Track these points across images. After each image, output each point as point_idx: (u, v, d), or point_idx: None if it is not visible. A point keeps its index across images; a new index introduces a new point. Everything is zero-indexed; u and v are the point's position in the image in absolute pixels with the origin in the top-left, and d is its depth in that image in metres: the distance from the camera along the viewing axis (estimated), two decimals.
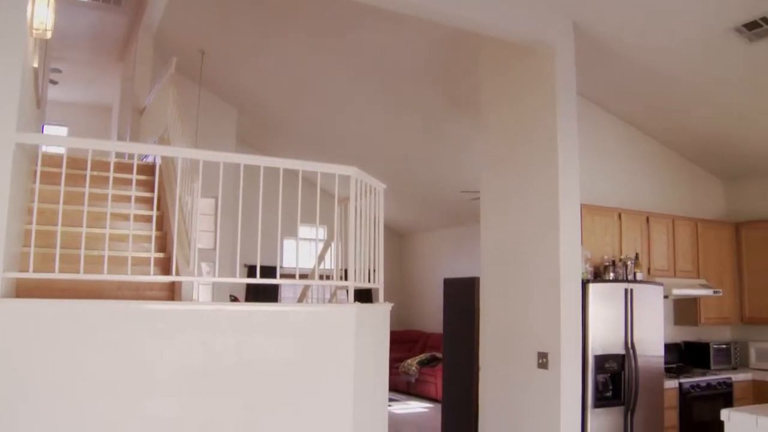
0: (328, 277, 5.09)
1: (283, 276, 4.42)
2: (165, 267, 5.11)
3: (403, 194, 12.08)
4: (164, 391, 3.69)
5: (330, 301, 6.05)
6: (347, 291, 4.46)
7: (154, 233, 4.76)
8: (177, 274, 4.43)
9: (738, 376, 7.12)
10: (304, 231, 10.34)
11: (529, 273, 5.70)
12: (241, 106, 10.60)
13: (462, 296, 6.69)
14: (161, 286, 5.04)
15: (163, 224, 5.69)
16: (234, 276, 4.25)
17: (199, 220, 4.44)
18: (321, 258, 6.23)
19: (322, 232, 10.91)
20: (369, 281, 4.78)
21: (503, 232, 6.04)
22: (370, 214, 4.81)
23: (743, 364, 7.67)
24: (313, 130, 10.84)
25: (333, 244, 4.97)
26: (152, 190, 5.63)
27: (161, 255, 5.28)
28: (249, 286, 11.52)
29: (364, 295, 4.87)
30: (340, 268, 4.80)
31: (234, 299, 10.11)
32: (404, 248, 14.99)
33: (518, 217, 5.87)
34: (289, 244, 12.30)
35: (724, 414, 4.35)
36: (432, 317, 12.76)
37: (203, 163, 4.17)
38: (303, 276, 4.40)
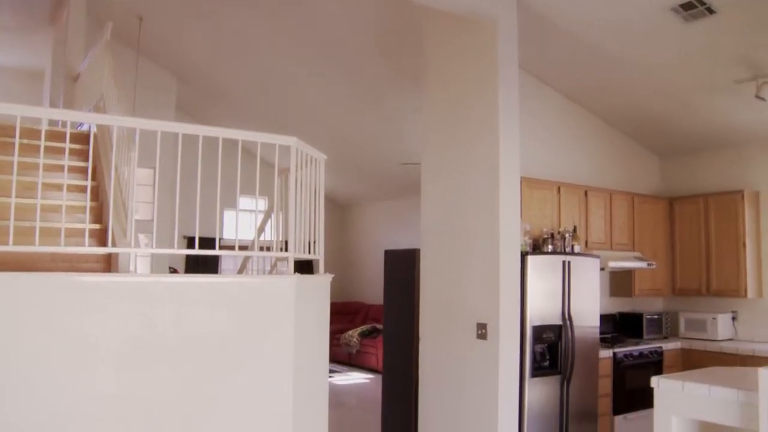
0: (268, 249, 5.05)
1: (223, 248, 4.36)
2: (101, 239, 4.98)
3: (345, 166, 12.04)
4: (102, 366, 3.61)
5: (270, 272, 6.00)
6: (287, 262, 4.43)
7: (88, 204, 4.63)
8: (113, 245, 4.33)
9: (668, 345, 7.37)
10: (244, 202, 10.25)
11: (468, 245, 5.75)
12: (181, 74, 10.37)
13: (402, 268, 6.72)
14: (97, 258, 4.92)
15: (98, 195, 5.54)
16: (173, 248, 4.16)
17: (137, 190, 4.34)
18: (261, 229, 6.17)
19: (262, 203, 10.82)
20: (309, 252, 4.76)
21: (443, 204, 6.07)
22: (311, 185, 4.78)
23: (673, 334, 7.94)
24: (254, 100, 10.68)
25: (273, 216, 4.93)
26: (87, 160, 5.47)
27: (97, 226, 5.15)
28: (189, 258, 11.37)
29: (304, 267, 4.85)
30: (280, 239, 4.76)
31: (173, 271, 9.97)
32: (346, 220, 14.99)
33: (458, 190, 5.91)
34: (229, 216, 12.17)
35: (654, 381, 4.49)
36: (373, 289, 12.80)
37: (141, 132, 4.06)
38: (243, 248, 4.35)
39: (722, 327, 7.54)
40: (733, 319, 7.73)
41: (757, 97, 5.97)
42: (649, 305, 8.11)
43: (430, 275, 6.19)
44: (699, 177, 8.14)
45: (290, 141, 4.35)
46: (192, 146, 4.02)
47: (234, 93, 10.69)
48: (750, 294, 7.40)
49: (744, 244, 7.41)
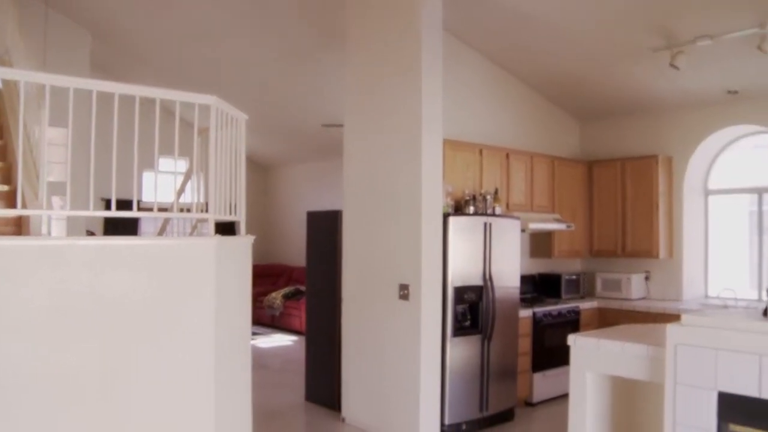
0: (188, 210, 4.95)
1: (141, 210, 4.24)
2: (10, 200, 4.79)
3: (267, 126, 11.85)
4: (16, 334, 3.48)
5: (191, 234, 5.89)
6: (208, 224, 4.34)
7: None
8: (24, 208, 4.16)
9: (585, 305, 7.61)
10: (163, 163, 10.00)
11: (391, 206, 5.77)
12: (96, 29, 9.94)
13: (325, 229, 6.71)
14: (6, 222, 4.73)
15: (6, 155, 5.31)
16: (89, 210, 4.02)
17: (49, 150, 4.17)
18: (180, 190, 6.03)
19: (182, 164, 10.57)
20: (230, 214, 4.68)
21: (366, 165, 6.06)
22: (232, 146, 4.68)
23: (590, 294, 8.20)
24: (173, 58, 10.34)
25: (193, 177, 4.82)
26: None
27: (5, 188, 4.94)
28: (107, 221, 11.06)
29: (226, 229, 4.77)
30: (200, 200, 4.66)
31: (91, 234, 9.68)
32: (269, 181, 14.81)
33: (381, 151, 5.90)
34: (148, 177, 11.87)
35: (571, 339, 4.62)
36: (296, 251, 12.73)
37: (53, 90, 3.89)
38: (163, 210, 4.24)
39: (636, 287, 7.83)
40: (646, 279, 8.03)
41: (672, 65, 6.13)
42: (567, 266, 8.34)
43: (353, 237, 6.19)
44: (616, 142, 8.35)
45: (210, 100, 4.24)
46: (108, 105, 3.88)
47: (152, 50, 10.32)
48: (662, 255, 7.69)
49: (657, 207, 7.66)
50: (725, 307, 7.08)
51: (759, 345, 3.63)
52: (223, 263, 4.19)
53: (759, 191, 7.53)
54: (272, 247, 14.16)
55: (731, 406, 3.75)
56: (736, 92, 7.05)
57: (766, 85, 6.72)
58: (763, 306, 3.90)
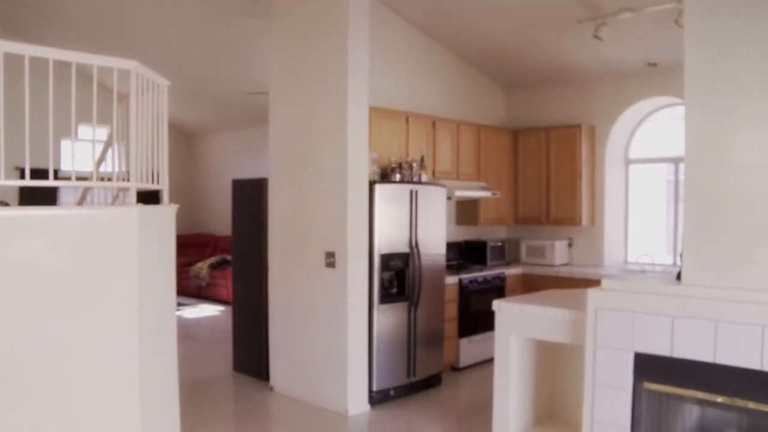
0: (108, 179, 4.80)
1: (58, 179, 4.09)
2: None
3: (191, 93, 11.57)
4: None
5: (112, 204, 5.73)
6: (129, 193, 4.22)
7: None
8: None
9: (510, 271, 7.75)
10: (82, 131, 9.68)
11: (317, 174, 5.73)
12: None
13: (251, 197, 6.62)
14: None
15: None
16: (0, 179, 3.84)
17: None
18: (101, 159, 5.85)
19: (102, 132, 10.25)
20: (153, 183, 4.56)
21: (292, 133, 5.99)
22: (154, 113, 4.55)
23: (515, 260, 8.35)
24: (92, 19, 9.97)
25: (114, 144, 4.67)
26: None
27: None
28: (23, 192, 10.65)
29: (149, 198, 4.65)
30: (121, 169, 4.53)
31: (5, 205, 9.32)
32: (193, 149, 14.48)
33: (307, 119, 5.84)
34: (67, 146, 11.47)
35: (496, 304, 4.70)
36: (222, 220, 12.52)
37: None
38: (82, 179, 4.10)
39: (559, 253, 8.02)
40: (569, 245, 8.22)
41: (595, 36, 6.22)
42: (493, 233, 8.46)
43: (279, 205, 6.13)
44: (541, 111, 8.47)
45: (130, 65, 4.09)
46: (19, 68, 3.70)
47: (69, 10, 9.92)
48: (584, 222, 7.88)
49: (580, 176, 7.83)
50: (643, 272, 7.32)
51: (672, 307, 3.77)
52: (145, 233, 4.08)
53: (675, 161, 7.77)
54: (198, 217, 13.92)
55: (646, 366, 3.89)
56: (655, 65, 7.23)
57: (683, 59, 6.88)
58: (677, 270, 4.04)
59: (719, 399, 3.71)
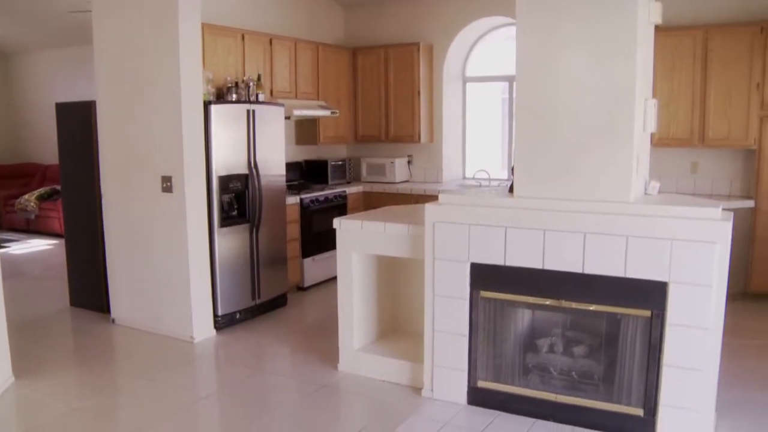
0: None
1: None
2: None
3: (3, 8, 10.58)
4: None
5: None
6: None
7: None
8: None
9: (351, 189, 7.81)
10: None
11: (149, 95, 5.44)
12: None
13: (78, 122, 6.19)
14: None
15: None
16: None
17: None
18: None
19: None
20: None
21: (119, 52, 5.60)
22: None
23: (356, 179, 8.43)
24: None
25: None
26: None
27: None
28: None
29: None
30: None
31: None
32: (10, 71, 13.26)
33: (135, 36, 5.47)
34: None
35: (336, 222, 4.73)
36: (50, 148, 11.67)
37: None
38: None
39: (399, 170, 8.16)
40: (409, 162, 8.39)
41: None
42: (333, 152, 8.47)
43: (109, 129, 5.78)
44: (380, 29, 8.44)
45: None
46: None
47: None
48: (423, 140, 8.03)
49: (418, 94, 7.93)
50: (480, 186, 7.62)
51: (505, 219, 3.94)
52: None
53: (509, 79, 8.02)
54: (21, 145, 12.90)
55: (481, 275, 4.08)
56: None
57: None
58: (509, 184, 4.21)
59: (548, 302, 3.97)
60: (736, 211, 5.77)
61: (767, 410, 4.17)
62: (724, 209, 3.66)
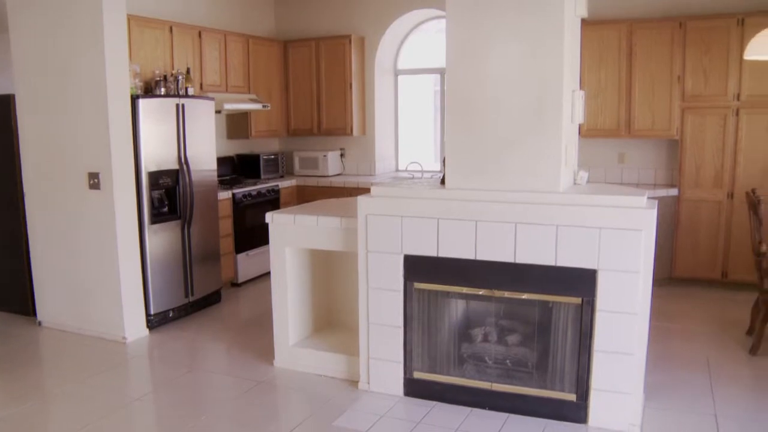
0: None
1: None
2: None
3: None
4: None
5: None
6: None
7: None
8: None
9: (284, 183, 7.76)
10: None
11: (73, 89, 5.27)
12: None
13: None
14: None
15: None
16: None
17: None
18: None
19: None
20: None
21: (41, 43, 5.40)
22: None
23: (289, 173, 8.38)
24: None
25: None
26: None
27: None
28: None
29: None
30: None
31: None
32: None
33: (57, 27, 5.28)
34: None
35: (269, 217, 4.68)
36: None
37: None
38: None
39: (332, 163, 8.14)
40: (342, 155, 8.37)
41: None
42: (265, 146, 8.38)
43: (31, 123, 5.58)
44: (311, 21, 8.38)
45: None
46: None
47: None
48: (355, 132, 8.03)
49: (350, 87, 7.91)
50: (413, 178, 7.66)
51: (437, 210, 3.97)
52: None
53: (441, 72, 8.08)
54: None
55: (415, 267, 4.10)
56: None
57: None
58: (441, 176, 4.24)
59: (481, 292, 4.02)
60: (660, 199, 5.95)
61: (692, 390, 4.31)
62: (649, 198, 3.78)
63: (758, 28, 5.21)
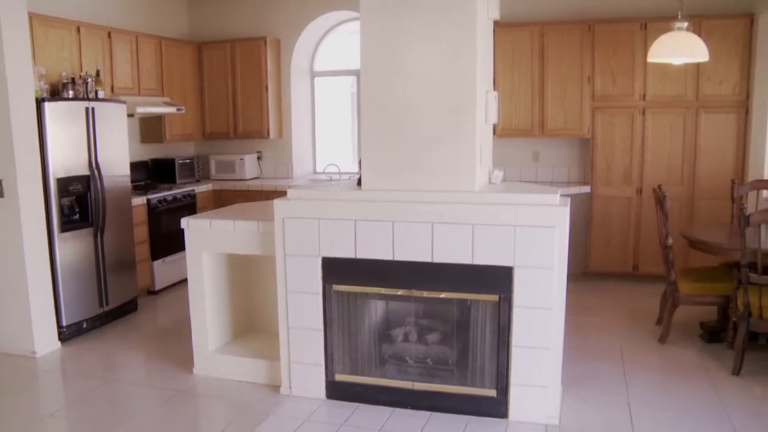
0: None
1: None
2: None
3: None
4: None
5: None
6: None
7: None
8: None
9: (201, 188, 7.61)
10: None
11: None
12: None
13: None
14: None
15: None
16: None
17: None
18: None
19: None
20: None
21: None
22: None
23: (205, 177, 8.23)
24: None
25: None
26: None
27: None
28: None
29: None
30: None
31: None
32: None
33: None
34: None
35: (184, 222, 4.59)
36: None
37: None
38: None
39: (249, 167, 8.05)
40: (259, 159, 8.28)
41: None
42: (181, 150, 8.21)
43: None
44: (226, 23, 8.26)
45: None
46: None
47: None
48: (272, 135, 7.96)
49: (266, 89, 7.84)
50: (330, 180, 7.64)
51: (354, 212, 3.97)
52: None
53: (357, 73, 8.08)
54: None
55: (333, 269, 4.09)
56: None
57: None
58: (358, 177, 4.24)
59: (399, 292, 4.03)
60: (574, 196, 6.11)
61: (607, 380, 4.45)
62: (562, 195, 3.87)
63: (659, 33, 5.40)
